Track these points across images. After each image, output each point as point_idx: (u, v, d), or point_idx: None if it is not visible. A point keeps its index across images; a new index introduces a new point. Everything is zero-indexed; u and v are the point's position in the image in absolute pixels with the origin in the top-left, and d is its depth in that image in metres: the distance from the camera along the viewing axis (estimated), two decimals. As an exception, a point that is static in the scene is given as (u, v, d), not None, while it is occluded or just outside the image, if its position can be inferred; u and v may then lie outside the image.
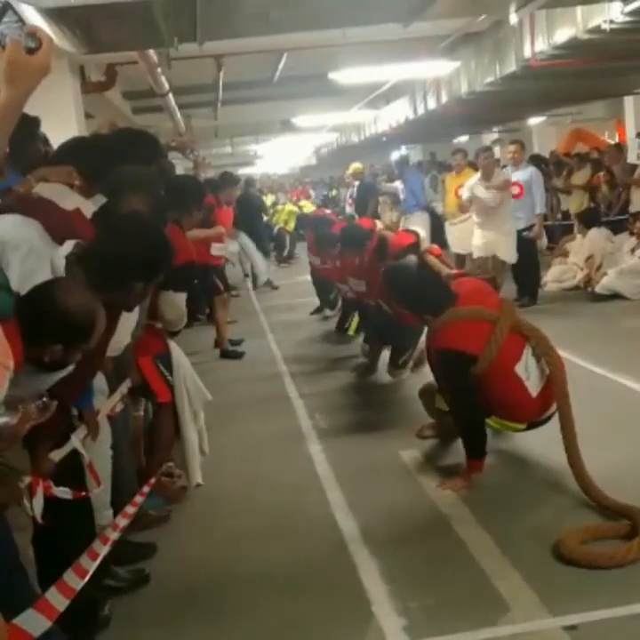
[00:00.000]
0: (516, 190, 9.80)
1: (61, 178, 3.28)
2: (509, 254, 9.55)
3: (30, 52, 2.02)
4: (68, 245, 2.62)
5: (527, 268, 10.00)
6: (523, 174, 9.93)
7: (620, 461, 4.60)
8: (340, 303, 9.46)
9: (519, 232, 9.78)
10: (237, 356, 8.64)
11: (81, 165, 3.42)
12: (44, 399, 2.46)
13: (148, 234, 3.03)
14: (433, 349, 4.81)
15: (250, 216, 14.25)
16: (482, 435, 4.62)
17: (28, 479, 2.70)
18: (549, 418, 4.63)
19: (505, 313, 4.63)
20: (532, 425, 4.73)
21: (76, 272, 2.65)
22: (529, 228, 9.85)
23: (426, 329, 5.10)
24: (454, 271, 5.62)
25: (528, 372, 4.53)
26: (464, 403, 4.62)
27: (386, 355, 7.02)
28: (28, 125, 3.40)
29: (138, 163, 3.61)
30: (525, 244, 9.88)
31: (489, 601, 3.38)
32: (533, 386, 4.53)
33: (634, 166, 11.36)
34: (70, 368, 2.72)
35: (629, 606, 3.23)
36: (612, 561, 3.54)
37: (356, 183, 14.13)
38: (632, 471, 4.50)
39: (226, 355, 8.68)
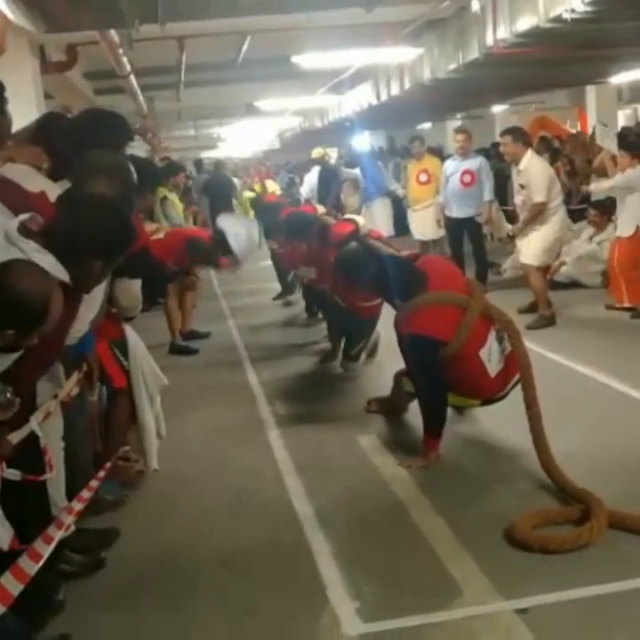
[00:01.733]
0: (467, 178, 10.12)
1: (29, 159, 3.23)
2: (531, 254, 8.08)
3: None
4: (24, 217, 2.56)
5: (475, 255, 10.30)
6: (473, 163, 10.22)
7: (572, 445, 4.66)
8: (298, 287, 9.49)
9: (468, 218, 10.17)
10: (190, 351, 8.07)
11: (50, 147, 3.36)
12: (8, 395, 2.42)
13: (108, 211, 2.96)
14: (402, 333, 4.84)
15: (221, 201, 14.20)
16: (443, 415, 4.74)
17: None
18: (505, 396, 4.77)
19: (475, 298, 4.69)
20: (487, 402, 4.88)
21: (32, 239, 2.57)
22: (478, 215, 10.19)
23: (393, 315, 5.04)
24: (405, 253, 5.59)
25: (490, 355, 4.63)
26: (430, 385, 4.72)
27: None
28: None
29: (108, 146, 3.54)
30: (473, 230, 10.31)
31: (442, 585, 3.42)
32: (493, 368, 4.64)
33: (594, 153, 11.46)
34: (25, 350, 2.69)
35: (579, 590, 3.30)
36: (564, 546, 3.60)
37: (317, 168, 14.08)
38: (583, 455, 4.58)
39: (176, 350, 8.06)
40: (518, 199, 8.27)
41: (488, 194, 10.19)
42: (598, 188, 8.92)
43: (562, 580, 3.36)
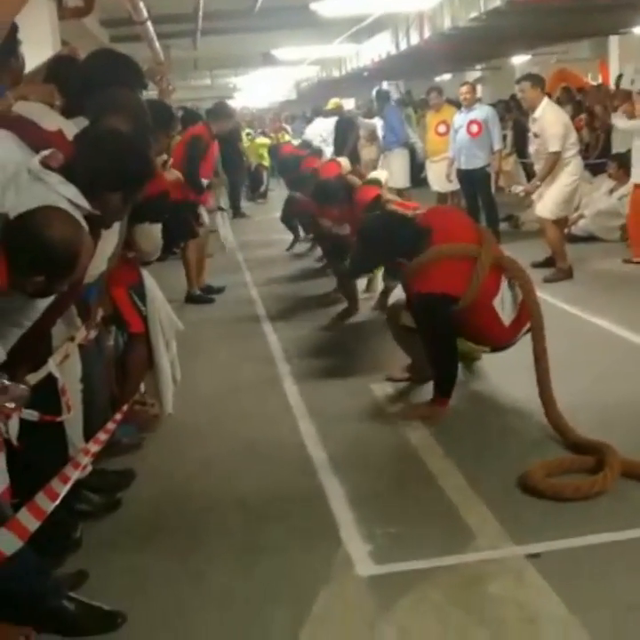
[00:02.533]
0: (474, 128, 10.07)
1: (42, 97, 3.20)
2: (546, 207, 7.95)
3: None
4: (45, 153, 2.55)
5: (484, 206, 10.22)
6: (480, 113, 10.20)
7: (584, 395, 4.67)
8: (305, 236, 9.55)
9: (478, 169, 10.10)
10: (206, 300, 8.10)
11: (63, 84, 3.34)
12: (4, 381, 2.42)
13: (126, 144, 2.94)
14: (412, 294, 4.67)
15: (231, 152, 14.08)
16: (454, 374, 4.64)
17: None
18: (514, 343, 4.69)
19: (485, 247, 4.53)
20: (497, 349, 4.79)
21: (54, 174, 2.57)
22: (487, 166, 10.15)
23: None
24: (422, 210, 5.54)
25: (503, 303, 4.53)
26: (442, 346, 4.57)
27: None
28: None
29: (121, 84, 3.52)
30: (483, 181, 10.22)
31: (455, 530, 3.45)
32: (507, 316, 4.55)
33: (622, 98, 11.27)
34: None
35: (591, 537, 3.32)
36: (577, 493, 3.62)
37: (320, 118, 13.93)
38: (595, 405, 4.59)
39: (192, 299, 8.05)
40: (532, 148, 8.17)
41: (497, 143, 10.18)
42: (620, 123, 8.78)
43: (574, 528, 3.38)
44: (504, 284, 4.54)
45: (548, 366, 4.36)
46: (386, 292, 7.08)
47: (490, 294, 4.50)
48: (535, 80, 8.02)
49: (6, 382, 2.34)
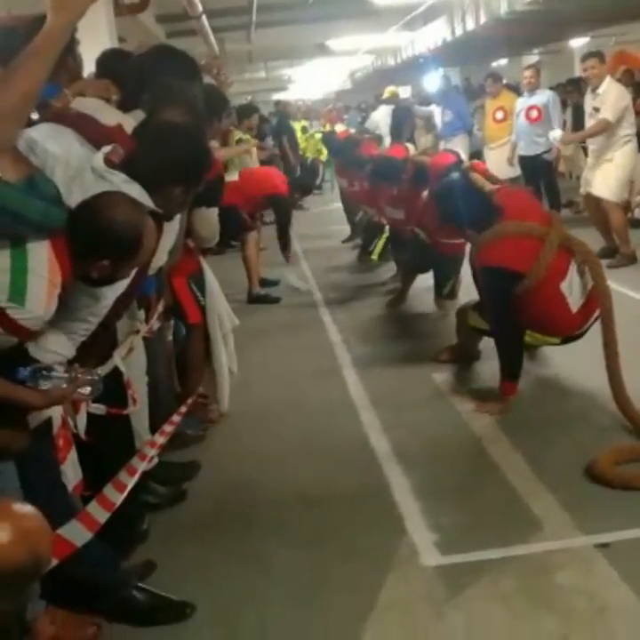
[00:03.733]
0: (534, 114, 9.95)
1: (99, 92, 3.23)
2: (610, 190, 7.77)
3: None
4: (106, 149, 2.58)
5: (546, 193, 10.09)
6: (540, 98, 10.04)
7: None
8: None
9: (538, 156, 9.98)
10: (270, 300, 7.76)
11: (119, 79, 3.37)
12: (97, 376, 2.45)
13: (185, 137, 2.96)
14: (477, 267, 4.67)
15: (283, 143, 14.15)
16: (520, 354, 4.59)
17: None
18: (584, 333, 4.61)
19: (554, 228, 4.49)
20: (567, 340, 4.69)
21: (117, 173, 2.60)
22: (548, 152, 10.00)
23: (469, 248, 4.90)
24: (497, 186, 5.44)
25: (571, 288, 4.46)
26: (506, 322, 4.54)
27: (420, 285, 7.02)
28: None
29: (177, 77, 3.54)
30: (544, 168, 10.12)
31: (521, 520, 3.41)
32: (575, 302, 4.48)
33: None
34: (123, 286, 2.73)
35: (661, 526, 3.25)
36: (646, 482, 3.54)
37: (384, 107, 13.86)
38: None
39: (256, 299, 7.73)
40: (590, 123, 7.95)
41: (557, 129, 9.94)
42: None
43: (644, 516, 3.32)
44: (573, 269, 4.46)
45: (618, 352, 4.28)
46: (403, 290, 7.11)
47: (558, 277, 4.42)
48: (601, 56, 7.94)
49: (78, 373, 2.37)
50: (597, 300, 4.44)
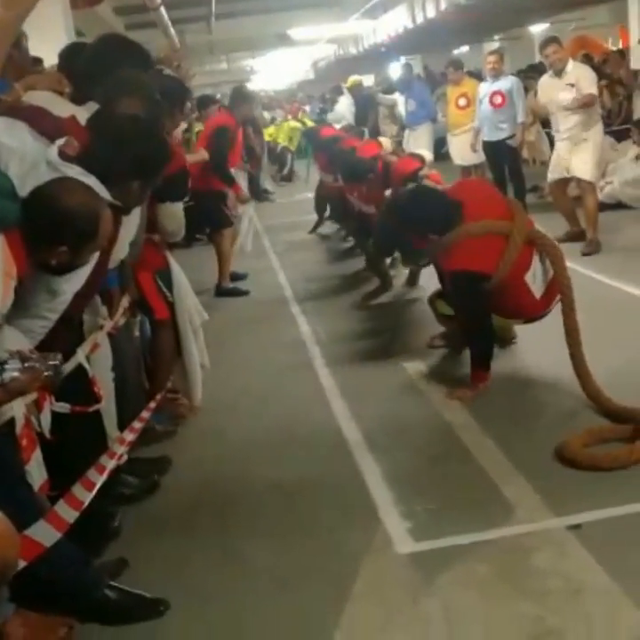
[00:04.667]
0: (498, 100, 9.94)
1: (50, 85, 3.19)
2: (588, 171, 7.75)
3: None
4: (60, 142, 2.54)
5: (511, 178, 10.09)
6: (504, 83, 10.03)
7: (621, 365, 4.61)
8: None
9: (502, 141, 9.96)
10: (239, 293, 7.73)
11: (70, 71, 3.32)
12: (57, 362, 2.40)
13: (141, 130, 2.93)
14: (443, 270, 4.68)
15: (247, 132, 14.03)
16: (491, 343, 4.64)
17: (34, 394, 2.71)
18: (546, 314, 4.66)
19: (517, 223, 4.49)
20: (529, 320, 4.77)
21: (72, 166, 2.56)
22: (511, 137, 9.98)
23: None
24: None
25: (535, 276, 4.50)
26: (477, 319, 4.58)
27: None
28: None
29: (130, 67, 3.49)
30: (509, 154, 10.09)
31: (493, 504, 3.42)
32: (538, 288, 4.52)
33: (636, 72, 11.14)
34: (83, 276, 2.69)
35: (632, 505, 3.28)
36: (615, 463, 3.58)
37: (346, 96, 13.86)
38: (634, 375, 4.51)
39: (225, 293, 7.68)
40: (566, 97, 7.73)
41: (521, 115, 9.98)
42: None
43: (614, 497, 3.33)
44: (535, 258, 4.50)
45: (580, 339, 4.31)
46: (414, 270, 7.03)
47: (522, 269, 4.46)
48: (559, 41, 8.02)
49: (35, 360, 2.32)
50: (558, 288, 4.47)
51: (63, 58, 3.73)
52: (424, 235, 4.65)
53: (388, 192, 6.20)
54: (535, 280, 4.51)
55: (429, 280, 6.35)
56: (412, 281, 6.83)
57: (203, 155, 7.11)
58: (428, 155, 7.52)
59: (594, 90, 7.71)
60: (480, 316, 4.56)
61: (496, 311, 4.63)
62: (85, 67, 3.40)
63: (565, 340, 4.34)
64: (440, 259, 4.67)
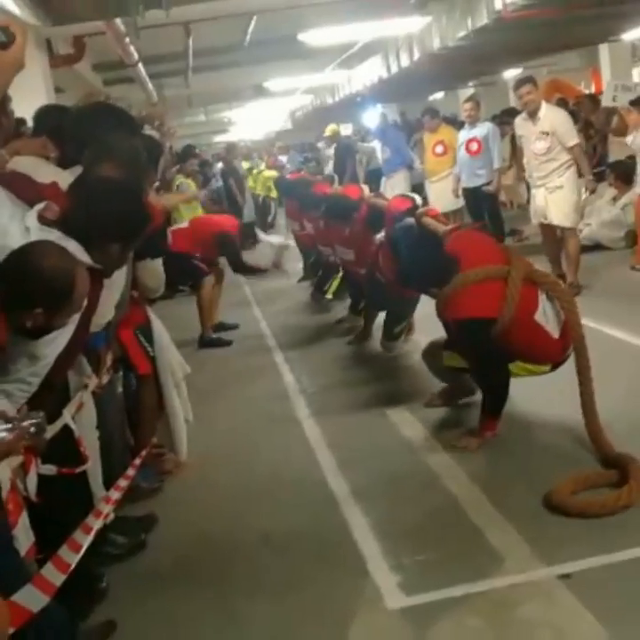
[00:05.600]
0: (474, 147, 10.12)
1: (35, 150, 3.22)
2: (562, 216, 7.84)
3: (3, 46, 1.96)
4: (40, 206, 2.56)
5: (490, 222, 10.20)
6: (480, 130, 10.22)
7: (610, 408, 4.59)
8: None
9: (479, 188, 10.14)
10: (222, 343, 7.71)
11: (57, 135, 3.35)
12: (39, 420, 2.40)
13: (120, 195, 2.96)
14: (448, 321, 4.60)
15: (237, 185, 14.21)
16: (507, 391, 4.52)
17: (20, 458, 2.69)
18: (569, 356, 4.53)
19: (514, 265, 4.45)
20: (556, 365, 4.61)
21: (52, 231, 2.57)
22: (488, 184, 10.15)
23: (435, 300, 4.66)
24: (449, 227, 5.45)
25: (547, 316, 4.42)
26: (490, 367, 4.49)
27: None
28: None
29: (116, 133, 3.53)
30: (487, 198, 10.26)
31: (482, 554, 3.41)
32: (553, 327, 4.43)
33: (610, 114, 11.31)
34: (64, 339, 2.69)
35: (621, 552, 3.27)
36: (603, 509, 3.58)
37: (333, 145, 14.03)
38: (617, 419, 4.49)
39: (208, 343, 7.64)
40: (541, 146, 7.71)
41: (496, 161, 10.14)
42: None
43: (603, 544, 3.33)
44: (542, 297, 4.44)
45: (591, 378, 4.29)
46: (367, 324, 7.08)
47: (530, 310, 4.39)
48: (534, 81, 7.93)
49: (17, 419, 2.32)
50: (569, 324, 4.42)
51: (39, 120, 3.77)
52: (421, 288, 4.66)
53: (379, 236, 6.14)
54: (548, 319, 4.43)
55: (417, 333, 6.45)
56: (399, 335, 6.75)
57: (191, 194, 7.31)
58: (418, 198, 7.53)
59: (576, 139, 7.65)
60: (493, 362, 4.47)
61: (520, 356, 4.51)
62: (73, 132, 3.44)
63: (577, 376, 4.31)
64: (443, 310, 4.58)
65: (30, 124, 4.23)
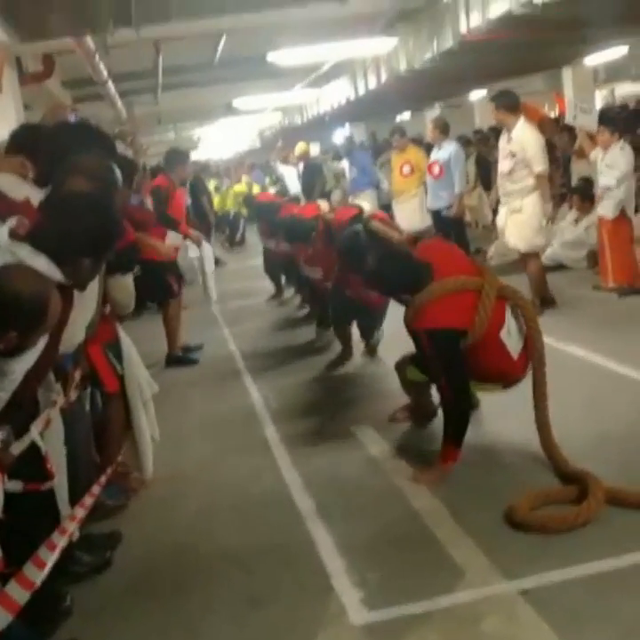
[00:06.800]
0: (436, 170, 10.19)
1: (13, 169, 3.25)
2: (517, 238, 7.81)
3: None
4: (11, 221, 2.59)
5: (456, 243, 10.08)
6: (443, 154, 10.25)
7: (563, 426, 4.66)
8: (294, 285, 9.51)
9: (440, 211, 10.21)
10: (189, 361, 7.73)
11: (32, 155, 3.39)
12: (4, 436, 2.42)
13: (89, 208, 2.98)
14: (418, 330, 4.37)
15: (201, 202, 14.25)
16: (467, 420, 4.41)
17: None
18: (524, 377, 4.53)
19: (488, 278, 4.42)
20: (508, 385, 4.61)
21: (23, 246, 2.60)
22: (449, 208, 10.21)
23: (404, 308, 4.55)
24: (404, 236, 5.48)
25: (510, 334, 4.40)
26: (457, 381, 4.36)
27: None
28: None
29: (90, 152, 3.56)
30: (452, 220, 10.33)
31: (444, 568, 3.46)
32: (514, 348, 4.41)
33: (572, 136, 11.49)
34: (33, 355, 2.71)
35: (580, 566, 3.34)
36: (563, 525, 3.64)
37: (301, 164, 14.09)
38: (576, 437, 4.59)
39: (175, 361, 7.64)
40: (505, 166, 7.64)
41: (457, 186, 10.15)
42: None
43: (563, 559, 3.40)
44: (508, 315, 4.43)
45: (546, 392, 4.34)
46: (344, 343, 7.00)
47: (496, 326, 4.36)
48: (505, 99, 7.74)
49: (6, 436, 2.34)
50: (530, 342, 4.42)
51: (14, 140, 3.80)
52: (394, 294, 4.66)
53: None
54: (510, 337, 4.40)
55: (385, 350, 6.50)
56: (373, 352, 6.83)
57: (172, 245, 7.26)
58: (367, 205, 7.57)
59: (543, 166, 7.49)
60: (459, 378, 4.35)
61: (475, 374, 4.46)
62: (47, 150, 3.47)
63: (532, 392, 4.36)
64: (414, 319, 4.42)
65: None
